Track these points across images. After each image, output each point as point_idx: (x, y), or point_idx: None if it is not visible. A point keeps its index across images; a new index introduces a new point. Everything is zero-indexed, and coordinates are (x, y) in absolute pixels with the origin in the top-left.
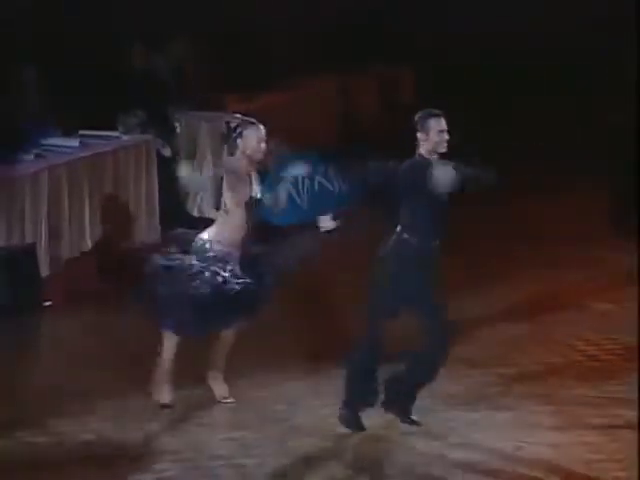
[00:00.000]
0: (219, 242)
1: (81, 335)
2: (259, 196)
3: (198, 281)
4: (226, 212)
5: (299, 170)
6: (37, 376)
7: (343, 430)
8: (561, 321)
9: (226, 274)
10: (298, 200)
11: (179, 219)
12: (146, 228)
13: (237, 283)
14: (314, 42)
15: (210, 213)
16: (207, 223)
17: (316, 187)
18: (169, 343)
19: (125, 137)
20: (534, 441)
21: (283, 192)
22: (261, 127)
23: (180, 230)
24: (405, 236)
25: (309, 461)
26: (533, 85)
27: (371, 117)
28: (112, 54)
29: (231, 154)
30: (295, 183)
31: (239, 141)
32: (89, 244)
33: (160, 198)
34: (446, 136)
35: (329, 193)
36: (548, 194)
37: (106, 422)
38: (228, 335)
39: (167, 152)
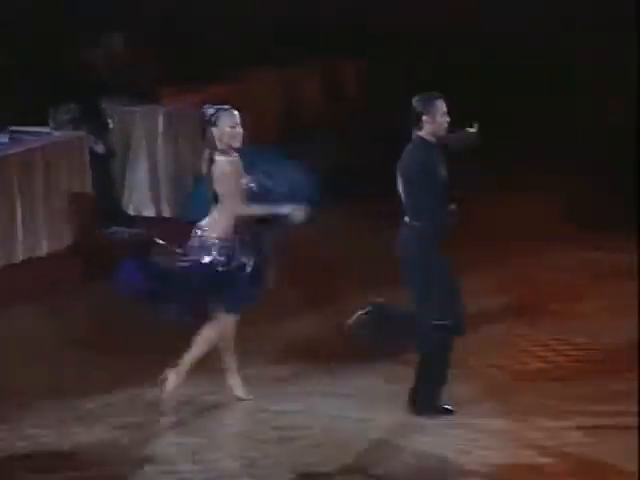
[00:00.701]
0: (215, 231)
1: (16, 337)
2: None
3: (200, 269)
4: (218, 204)
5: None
6: None
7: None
8: (517, 323)
9: (223, 259)
10: None
11: (114, 218)
12: (80, 227)
13: (236, 265)
14: (256, 35)
15: (146, 211)
16: (143, 221)
17: (254, 184)
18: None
19: (56, 133)
20: (483, 445)
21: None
22: (235, 112)
23: (115, 229)
24: (413, 222)
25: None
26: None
27: (314, 111)
28: (44, 47)
29: (210, 145)
30: None
31: (214, 130)
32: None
33: (94, 196)
34: (448, 118)
35: (267, 191)
36: (499, 193)
37: (43, 428)
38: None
39: (100, 149)
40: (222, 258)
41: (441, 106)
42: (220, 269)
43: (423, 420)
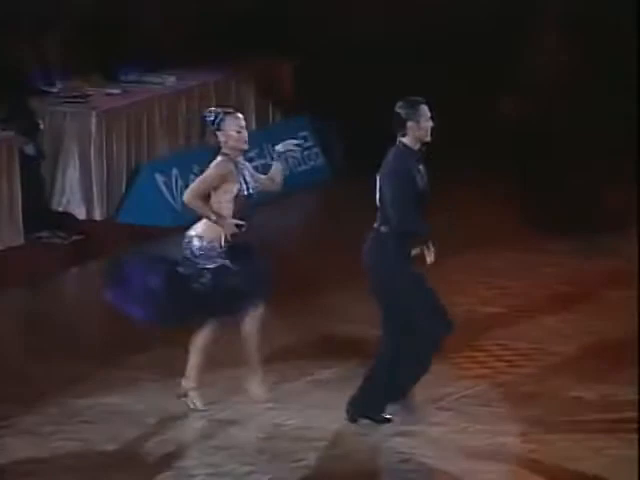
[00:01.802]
0: (208, 237)
1: None
2: (249, 190)
3: (196, 278)
4: (215, 209)
5: (174, 169)
6: None
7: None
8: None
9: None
10: (172, 201)
11: (44, 220)
12: (7, 230)
13: (231, 273)
14: (194, 35)
15: (78, 212)
16: (73, 223)
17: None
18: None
19: None
20: (422, 452)
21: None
22: (240, 115)
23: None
24: (380, 228)
25: None
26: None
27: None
28: None
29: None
30: (168, 183)
31: (219, 134)
32: None
33: (23, 198)
34: (431, 123)
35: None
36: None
37: None
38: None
39: (30, 150)
40: (211, 264)
41: (425, 111)
42: (207, 275)
43: (365, 428)
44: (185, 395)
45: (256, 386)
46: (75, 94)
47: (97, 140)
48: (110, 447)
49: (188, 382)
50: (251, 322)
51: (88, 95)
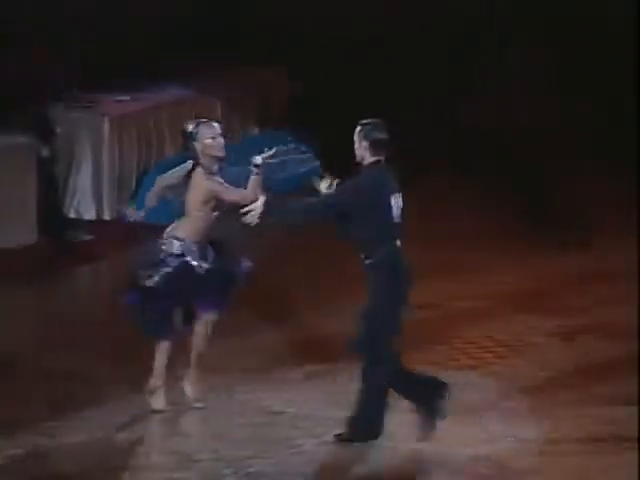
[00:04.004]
0: (182, 237)
1: None
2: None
3: (172, 275)
4: (190, 213)
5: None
6: None
7: None
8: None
9: (193, 262)
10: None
11: (56, 221)
12: (21, 229)
13: (204, 269)
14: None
15: (87, 214)
16: (83, 224)
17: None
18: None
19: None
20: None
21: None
22: (214, 124)
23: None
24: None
25: None
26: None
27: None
28: None
29: (194, 157)
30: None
31: (196, 144)
32: None
33: (38, 199)
34: (360, 150)
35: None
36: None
37: None
38: (200, 331)
39: (45, 152)
40: (187, 258)
41: (355, 136)
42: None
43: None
44: (152, 393)
45: (190, 386)
46: (88, 101)
47: (109, 144)
48: None
49: (156, 381)
50: (203, 325)
51: (100, 102)
